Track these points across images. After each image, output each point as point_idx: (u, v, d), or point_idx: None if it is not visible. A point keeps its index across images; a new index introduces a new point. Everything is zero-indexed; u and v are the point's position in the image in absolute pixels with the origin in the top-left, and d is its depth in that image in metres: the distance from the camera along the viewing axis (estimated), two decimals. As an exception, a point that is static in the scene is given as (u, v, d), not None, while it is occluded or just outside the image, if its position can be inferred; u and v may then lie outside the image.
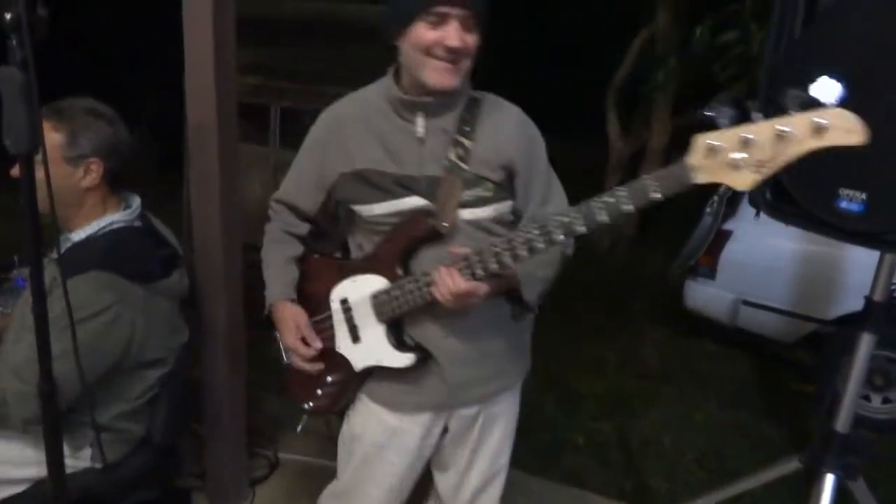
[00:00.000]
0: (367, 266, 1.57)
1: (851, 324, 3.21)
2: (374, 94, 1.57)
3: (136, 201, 1.82)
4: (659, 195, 1.25)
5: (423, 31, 1.41)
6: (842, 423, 1.80)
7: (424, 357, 1.56)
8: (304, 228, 1.70)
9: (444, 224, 1.48)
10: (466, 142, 1.51)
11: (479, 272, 1.40)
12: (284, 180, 1.69)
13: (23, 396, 1.55)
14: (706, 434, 3.39)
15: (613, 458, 3.16)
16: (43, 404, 1.26)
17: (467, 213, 1.50)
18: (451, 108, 1.52)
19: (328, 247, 1.73)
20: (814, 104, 1.18)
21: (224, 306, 2.20)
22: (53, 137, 1.64)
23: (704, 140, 1.22)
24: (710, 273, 3.86)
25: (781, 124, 1.15)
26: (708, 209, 3.93)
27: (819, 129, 1.13)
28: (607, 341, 4.33)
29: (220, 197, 2.09)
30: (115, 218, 1.74)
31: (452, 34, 1.40)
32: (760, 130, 1.16)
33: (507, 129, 1.55)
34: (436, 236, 1.49)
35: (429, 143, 1.50)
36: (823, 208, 1.53)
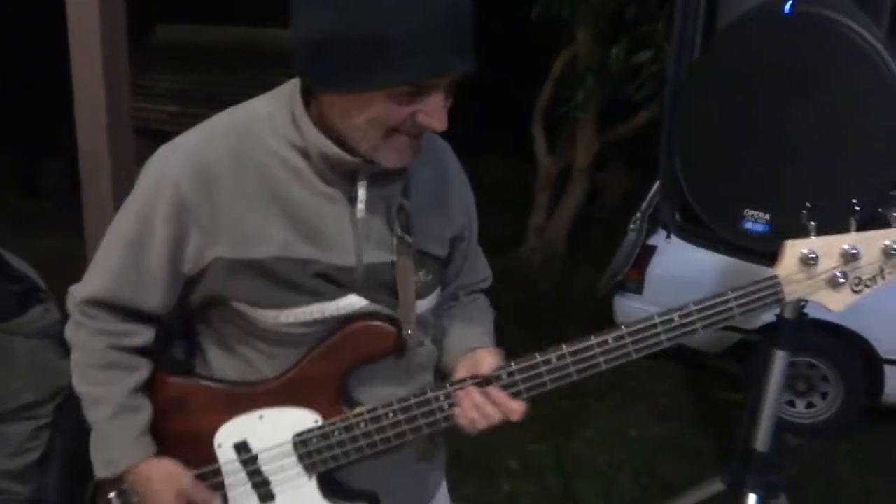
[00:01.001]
0: (280, 395, 1.07)
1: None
2: (269, 132, 1.02)
3: None
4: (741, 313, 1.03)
5: (392, 106, 0.93)
6: (761, 441, 1.81)
7: None
8: (144, 335, 1.11)
9: (409, 331, 1.06)
10: (407, 204, 1.08)
11: (527, 389, 1.06)
12: (94, 267, 1.11)
13: None
14: (640, 450, 3.39)
15: (550, 481, 3.13)
16: None
17: (418, 306, 1.10)
18: (397, 179, 1.07)
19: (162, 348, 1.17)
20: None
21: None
22: None
23: (798, 249, 1.04)
24: (638, 288, 3.91)
25: (892, 239, 1.01)
26: (632, 225, 4.01)
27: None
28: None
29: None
30: None
31: (437, 110, 0.94)
32: (868, 243, 1.02)
33: (452, 181, 1.16)
34: (398, 350, 1.07)
35: (367, 217, 1.05)
36: (729, 229, 1.54)
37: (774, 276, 1.04)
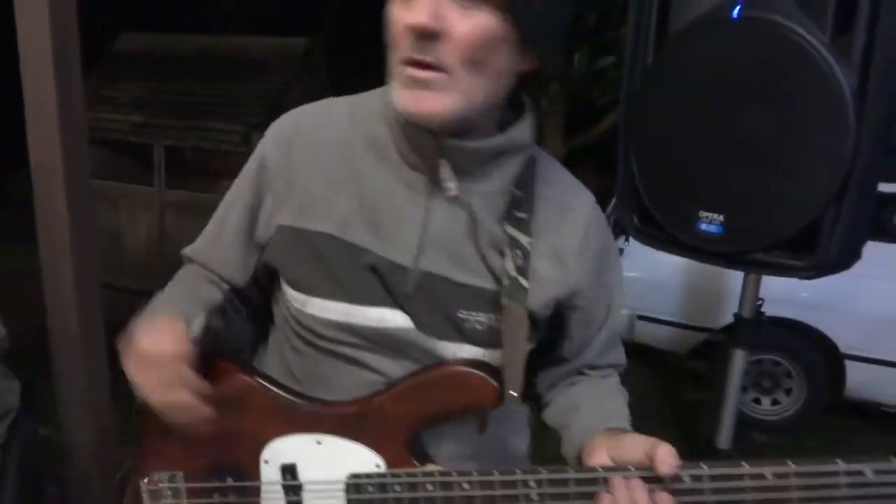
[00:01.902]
0: (347, 424, 0.91)
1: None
2: (371, 103, 0.93)
3: None
4: None
5: (394, 11, 0.81)
6: (723, 438, 1.83)
7: None
8: (226, 294, 1.01)
9: (514, 393, 0.87)
10: (524, 238, 0.89)
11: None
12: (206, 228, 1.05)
13: None
14: (609, 451, 3.41)
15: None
16: None
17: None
18: (494, 170, 0.89)
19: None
20: None
21: (83, 366, 2.02)
22: None
23: None
24: (604, 290, 3.94)
25: None
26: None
27: None
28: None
29: (72, 245, 1.92)
30: None
31: (417, 4, 0.78)
32: None
33: (575, 229, 0.93)
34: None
35: (445, 213, 0.89)
36: (685, 231, 1.56)
37: None
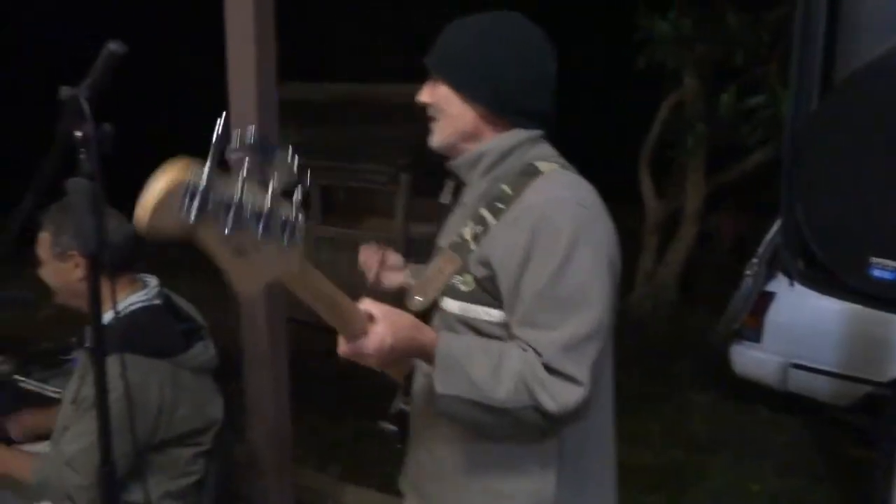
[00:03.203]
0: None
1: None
2: None
3: (153, 281, 1.90)
4: None
5: None
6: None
7: None
8: None
9: (417, 298, 1.33)
10: (491, 219, 1.26)
11: None
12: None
13: (83, 489, 1.64)
14: (763, 506, 3.26)
15: (666, 532, 3.06)
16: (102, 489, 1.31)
17: (445, 302, 1.30)
18: (473, 171, 1.32)
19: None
20: None
21: (269, 382, 2.25)
22: (44, 237, 1.76)
23: None
24: (756, 336, 3.79)
25: None
26: (748, 272, 3.90)
27: None
28: (651, 410, 4.24)
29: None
30: (132, 300, 1.82)
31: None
32: None
33: (520, 219, 1.23)
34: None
35: (458, 212, 1.38)
36: (856, 277, 1.52)
37: None
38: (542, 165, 1.27)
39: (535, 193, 1.23)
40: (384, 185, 5.58)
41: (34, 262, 1.82)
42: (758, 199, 5.27)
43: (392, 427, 1.40)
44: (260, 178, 0.84)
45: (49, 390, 2.41)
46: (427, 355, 1.17)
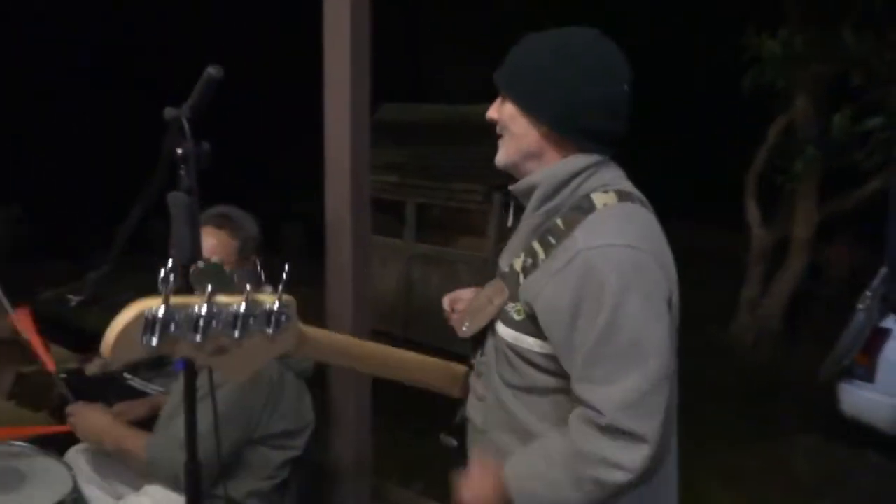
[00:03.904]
0: None
1: None
2: None
3: (269, 288, 2.00)
4: None
5: None
6: None
7: None
8: None
9: (464, 326, 1.37)
10: (541, 253, 1.24)
11: None
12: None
13: None
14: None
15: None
16: (186, 478, 1.39)
17: (499, 326, 1.31)
18: (527, 200, 1.30)
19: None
20: None
21: (353, 392, 2.30)
22: (231, 244, 1.88)
23: None
24: (868, 375, 3.54)
25: None
26: (860, 305, 3.64)
27: None
28: (748, 448, 4.01)
29: (353, 286, 2.23)
30: None
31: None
32: None
33: (567, 267, 1.18)
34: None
35: (515, 238, 1.37)
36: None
37: None
38: (597, 199, 1.23)
39: (585, 233, 1.19)
40: (478, 205, 5.63)
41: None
42: (876, 229, 4.93)
43: (452, 440, 1.44)
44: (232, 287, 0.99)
45: (152, 389, 2.59)
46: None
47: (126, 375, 2.66)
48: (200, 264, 1.00)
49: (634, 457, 1.12)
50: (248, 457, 1.87)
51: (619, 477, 1.12)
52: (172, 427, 1.85)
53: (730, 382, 4.68)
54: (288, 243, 7.69)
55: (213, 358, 0.99)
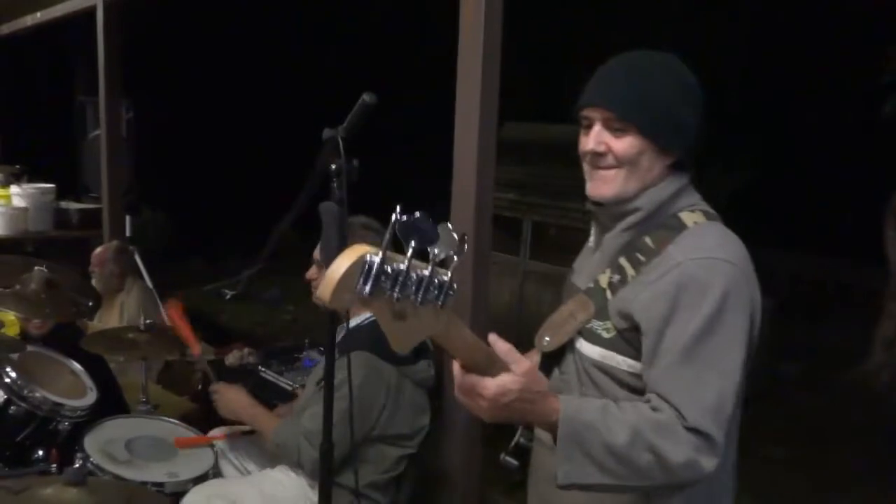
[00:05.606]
0: None
1: None
2: None
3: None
4: None
5: (580, 138, 1.31)
6: None
7: None
8: None
9: (545, 340, 1.34)
10: (630, 270, 1.25)
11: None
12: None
13: (315, 461, 1.87)
14: None
15: None
16: (320, 462, 1.56)
17: (582, 345, 1.30)
18: (619, 222, 1.29)
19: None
20: None
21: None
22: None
23: None
24: None
25: None
26: None
27: None
28: (882, 491, 3.74)
29: (472, 299, 2.31)
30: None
31: (590, 137, 1.26)
32: None
33: (664, 276, 1.21)
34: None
35: (597, 256, 1.35)
36: None
37: None
38: (686, 218, 1.25)
39: (679, 250, 1.21)
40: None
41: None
42: None
43: (513, 461, 1.40)
44: (424, 248, 0.93)
45: (283, 382, 2.81)
46: (545, 425, 1.17)
47: (260, 368, 2.91)
48: (409, 216, 0.92)
49: (703, 458, 1.12)
50: (366, 452, 2.01)
51: (683, 469, 1.11)
52: (301, 417, 2.02)
53: (862, 424, 4.38)
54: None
55: (393, 322, 0.93)
